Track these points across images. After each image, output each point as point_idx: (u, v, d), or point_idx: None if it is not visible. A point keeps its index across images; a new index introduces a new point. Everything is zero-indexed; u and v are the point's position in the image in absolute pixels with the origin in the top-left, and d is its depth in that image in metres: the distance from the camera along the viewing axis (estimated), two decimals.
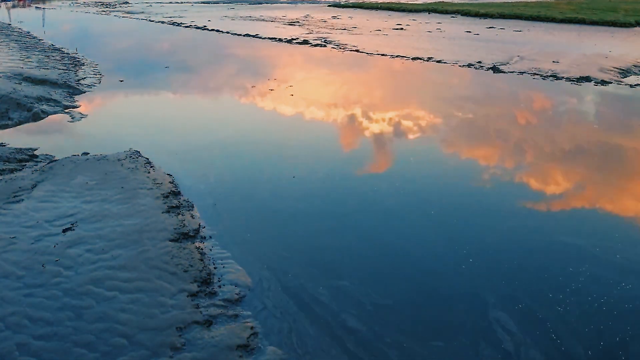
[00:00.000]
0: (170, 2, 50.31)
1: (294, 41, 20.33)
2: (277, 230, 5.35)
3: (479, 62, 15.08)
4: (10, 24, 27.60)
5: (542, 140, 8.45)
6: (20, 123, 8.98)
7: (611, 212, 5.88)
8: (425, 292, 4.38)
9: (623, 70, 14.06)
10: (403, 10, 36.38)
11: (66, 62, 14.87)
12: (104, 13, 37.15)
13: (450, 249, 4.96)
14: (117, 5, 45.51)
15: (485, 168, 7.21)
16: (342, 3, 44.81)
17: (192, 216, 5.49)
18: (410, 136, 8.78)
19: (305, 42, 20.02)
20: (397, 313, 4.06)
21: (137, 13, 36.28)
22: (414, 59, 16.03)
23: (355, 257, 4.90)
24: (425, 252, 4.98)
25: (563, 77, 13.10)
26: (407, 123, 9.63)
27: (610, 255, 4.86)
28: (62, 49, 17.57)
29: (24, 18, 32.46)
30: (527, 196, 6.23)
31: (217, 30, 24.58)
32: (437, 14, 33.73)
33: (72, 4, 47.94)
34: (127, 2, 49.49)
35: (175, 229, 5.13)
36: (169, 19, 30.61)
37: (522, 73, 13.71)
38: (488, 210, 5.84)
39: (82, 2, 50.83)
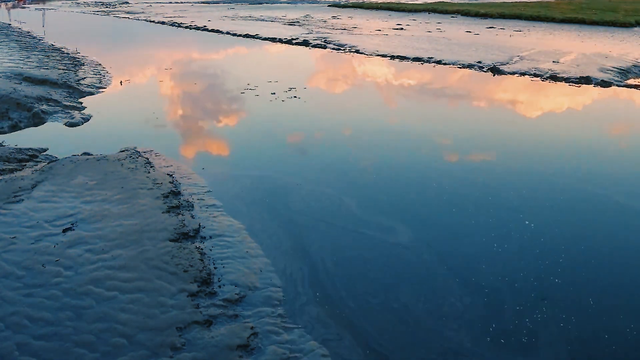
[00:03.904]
0: (170, 2, 50.33)
1: (294, 41, 20.34)
2: (280, 231, 5.35)
3: (479, 62, 15.09)
4: (10, 24, 27.60)
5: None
6: (20, 123, 8.97)
7: None
8: None
9: (623, 70, 14.06)
10: (403, 10, 36.39)
11: (66, 62, 14.86)
12: (103, 13, 37.15)
13: None
14: (117, 5, 45.52)
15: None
16: (342, 3, 44.82)
17: (192, 216, 5.49)
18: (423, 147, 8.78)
19: (305, 42, 20.02)
20: None
21: (137, 13, 36.29)
22: (414, 59, 16.03)
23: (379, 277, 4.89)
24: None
25: (563, 77, 13.10)
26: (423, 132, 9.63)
27: None
28: (62, 49, 17.56)
29: (24, 18, 32.46)
30: None
31: (217, 31, 24.59)
32: (437, 14, 33.74)
33: (72, 4, 47.91)
34: (127, 2, 49.48)
35: (175, 229, 5.13)
36: (169, 19, 30.61)
37: (522, 74, 13.71)
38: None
39: (82, 2, 50.82)
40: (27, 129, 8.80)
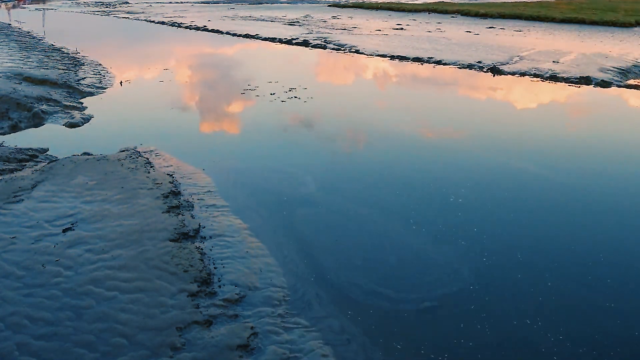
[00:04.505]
0: (170, 2, 50.32)
1: (294, 41, 20.33)
2: (280, 231, 5.35)
3: (479, 62, 15.09)
4: (10, 24, 27.61)
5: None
6: (20, 123, 8.98)
7: None
8: None
9: (623, 70, 14.06)
10: (403, 11, 36.40)
11: (66, 62, 14.87)
12: (103, 13, 37.15)
13: None
14: (117, 5, 45.51)
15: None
16: (342, 3, 44.82)
17: (192, 216, 5.49)
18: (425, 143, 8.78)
19: (305, 42, 20.02)
20: None
21: (137, 13, 36.29)
22: (414, 59, 16.03)
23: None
24: None
25: (563, 77, 13.10)
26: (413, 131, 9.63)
27: None
28: (62, 49, 17.57)
29: (24, 18, 32.47)
30: None
31: (217, 31, 24.58)
32: (437, 14, 33.74)
33: (71, 4, 47.93)
34: (127, 2, 49.49)
35: (175, 229, 5.13)
36: (169, 19, 30.61)
37: (523, 74, 13.70)
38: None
39: (82, 2, 50.83)
40: (27, 129, 8.80)
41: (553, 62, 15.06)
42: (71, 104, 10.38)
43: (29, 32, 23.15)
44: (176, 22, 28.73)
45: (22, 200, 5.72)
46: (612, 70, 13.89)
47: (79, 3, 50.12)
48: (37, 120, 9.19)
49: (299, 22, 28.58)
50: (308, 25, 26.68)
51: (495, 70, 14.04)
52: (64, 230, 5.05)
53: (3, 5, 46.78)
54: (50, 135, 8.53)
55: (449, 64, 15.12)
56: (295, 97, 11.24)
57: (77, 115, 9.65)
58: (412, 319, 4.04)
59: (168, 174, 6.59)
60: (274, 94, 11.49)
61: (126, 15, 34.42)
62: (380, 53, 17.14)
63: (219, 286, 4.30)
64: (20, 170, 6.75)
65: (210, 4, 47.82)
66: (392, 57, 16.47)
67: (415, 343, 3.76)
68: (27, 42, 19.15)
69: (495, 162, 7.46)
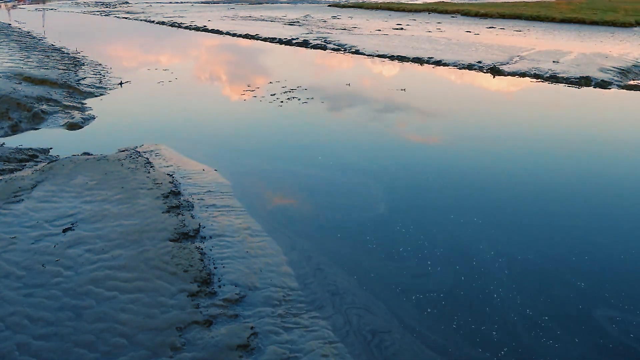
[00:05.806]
0: (170, 2, 50.33)
1: (294, 42, 20.33)
2: (280, 231, 5.35)
3: (479, 62, 15.08)
4: (10, 24, 27.62)
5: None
6: (20, 123, 8.98)
7: None
8: None
9: (623, 70, 14.06)
10: (403, 11, 36.42)
11: (66, 62, 14.87)
12: (103, 14, 37.16)
13: None
14: (117, 6, 45.52)
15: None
16: (342, 3, 44.83)
17: (192, 216, 5.49)
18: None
19: (305, 42, 20.02)
20: None
21: (137, 13, 36.30)
22: (414, 59, 16.03)
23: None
24: None
25: (563, 78, 13.10)
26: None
27: None
28: (62, 49, 17.57)
29: (24, 18, 32.48)
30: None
31: (217, 31, 24.58)
32: (437, 14, 33.77)
33: (71, 4, 47.94)
34: (127, 2, 49.51)
35: (175, 229, 5.13)
36: (169, 20, 30.61)
37: (523, 74, 13.70)
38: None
39: (81, 2, 50.84)
40: (27, 129, 8.80)
41: (553, 62, 15.06)
42: (71, 104, 10.38)
43: (29, 32, 23.15)
44: (176, 23, 28.73)
45: (22, 200, 5.72)
46: (612, 70, 13.89)
47: (78, 3, 50.13)
48: (37, 121, 9.19)
49: (299, 22, 28.57)
50: (308, 25, 26.67)
51: (495, 71, 14.04)
52: (64, 230, 5.05)
53: (3, 5, 46.80)
54: (50, 136, 8.53)
55: (449, 64, 15.11)
56: (295, 97, 11.24)
57: (77, 115, 9.65)
58: None
59: (168, 174, 6.59)
60: (273, 94, 11.48)
61: (126, 16, 34.42)
62: (380, 53, 17.14)
63: (219, 286, 4.30)
64: (20, 170, 6.75)
65: (210, 4, 47.83)
66: (392, 58, 16.47)
67: None
68: (27, 42, 19.15)
69: (495, 164, 7.46)
